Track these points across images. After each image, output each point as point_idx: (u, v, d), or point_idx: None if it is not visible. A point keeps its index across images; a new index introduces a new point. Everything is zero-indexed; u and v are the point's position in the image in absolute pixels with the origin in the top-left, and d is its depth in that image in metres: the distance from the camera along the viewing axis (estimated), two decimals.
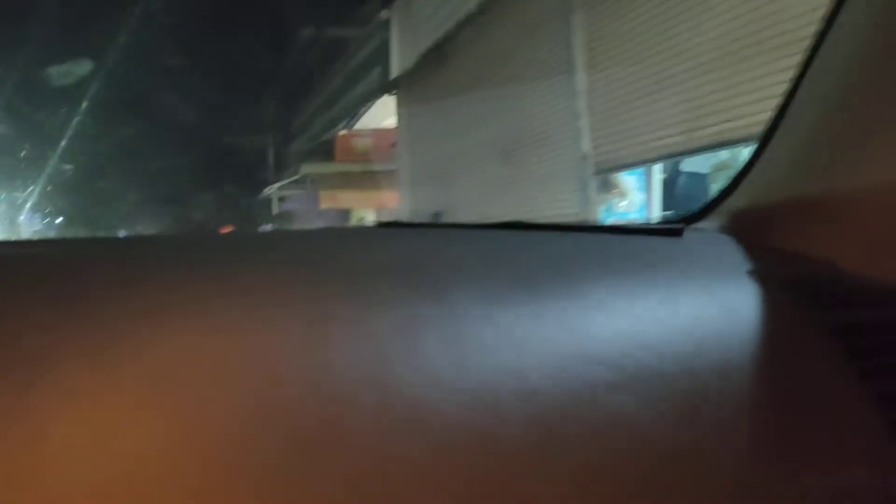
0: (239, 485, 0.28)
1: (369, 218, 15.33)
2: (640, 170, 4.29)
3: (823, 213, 0.50)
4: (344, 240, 0.56)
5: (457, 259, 0.45)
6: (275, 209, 16.32)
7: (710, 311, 0.43)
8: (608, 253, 0.51)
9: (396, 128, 12.45)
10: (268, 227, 14.61)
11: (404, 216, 8.23)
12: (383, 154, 13.50)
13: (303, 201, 15.70)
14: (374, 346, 0.34)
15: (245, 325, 0.33)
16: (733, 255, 0.51)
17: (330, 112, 12.94)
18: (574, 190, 4.45)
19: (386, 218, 14.95)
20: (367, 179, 14.05)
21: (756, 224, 0.56)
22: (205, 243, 0.51)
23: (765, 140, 0.58)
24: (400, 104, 8.52)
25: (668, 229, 0.57)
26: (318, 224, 16.20)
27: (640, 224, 0.69)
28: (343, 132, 13.39)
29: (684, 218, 0.66)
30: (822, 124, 0.52)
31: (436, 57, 6.67)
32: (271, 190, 16.11)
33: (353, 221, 15.33)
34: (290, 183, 15.21)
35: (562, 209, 4.59)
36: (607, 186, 4.40)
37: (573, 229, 0.61)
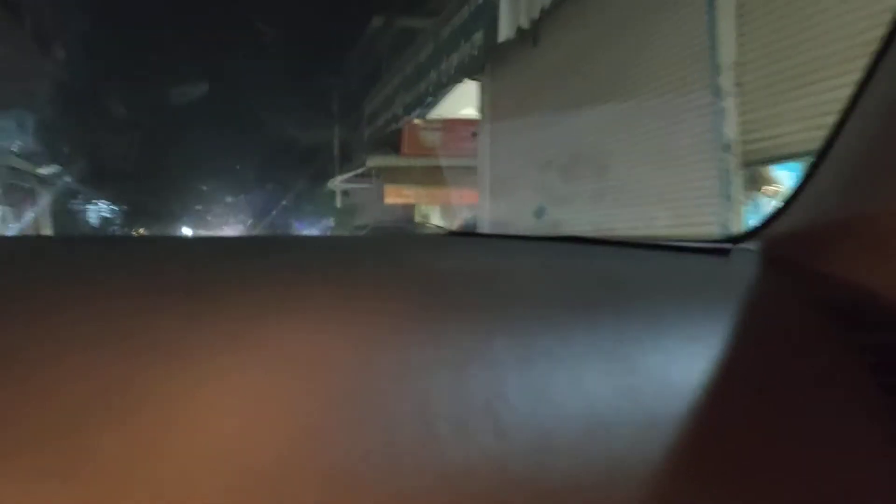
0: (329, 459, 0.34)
1: (436, 216, 14.72)
2: (797, 162, 3.43)
3: (871, 238, 0.51)
4: (419, 247, 0.66)
5: (519, 272, 0.50)
6: (338, 202, 15.84)
7: (748, 330, 0.46)
8: (658, 270, 0.56)
9: (469, 119, 11.85)
10: (329, 221, 14.03)
11: (486, 214, 7.47)
12: (453, 148, 12.85)
13: (367, 195, 15.19)
14: (450, 347, 0.40)
15: (345, 321, 0.40)
16: (776, 277, 0.55)
17: (400, 101, 12.33)
18: (711, 187, 3.64)
19: (452, 215, 14.30)
20: (434, 175, 13.42)
21: (802, 246, 0.57)
22: (300, 246, 0.64)
23: (815, 163, 0.58)
24: (483, 90, 7.72)
25: (716, 249, 0.61)
26: (380, 218, 15.70)
27: (690, 242, 0.65)
28: (414, 122, 12.73)
29: (733, 238, 0.67)
30: (873, 149, 0.52)
31: (529, 34, 5.92)
32: (335, 183, 15.62)
33: (418, 217, 14.73)
34: (354, 176, 14.70)
35: (694, 210, 3.79)
36: (756, 182, 3.57)
37: (626, 245, 0.67)
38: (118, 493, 0.31)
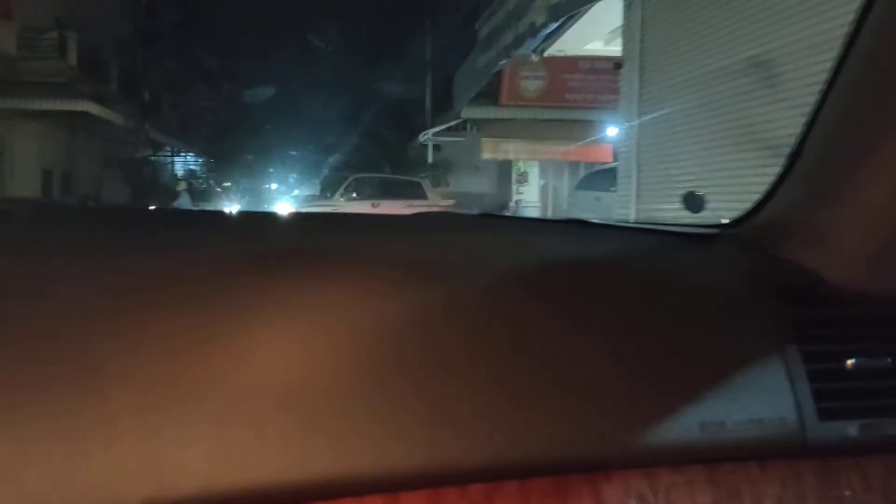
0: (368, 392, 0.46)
1: (534, 172, 13.43)
2: None
3: (850, 224, 0.58)
4: (449, 226, 0.80)
5: (521, 256, 0.60)
6: (430, 157, 14.72)
7: (703, 300, 0.58)
8: (649, 252, 0.65)
9: (592, 56, 10.40)
10: (423, 178, 12.91)
11: (630, 176, 6.08)
12: (559, 97, 11.49)
13: (460, 150, 14.02)
14: (470, 301, 0.52)
15: (378, 293, 0.50)
16: (745, 260, 0.64)
17: (503, 40, 10.94)
18: None
19: (556, 174, 12.94)
20: (536, 127, 12.10)
21: (773, 234, 0.65)
22: (326, 222, 0.78)
23: (796, 153, 0.63)
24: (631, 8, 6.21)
25: (703, 235, 0.70)
26: (473, 176, 14.53)
27: (682, 227, 0.75)
28: (515, 67, 11.34)
29: (723, 225, 0.73)
30: (851, 137, 0.58)
31: None
32: (427, 136, 14.48)
33: (514, 176, 13.48)
34: (447, 129, 13.57)
35: None
36: None
37: (626, 229, 0.81)
38: (196, 407, 0.43)
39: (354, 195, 11.03)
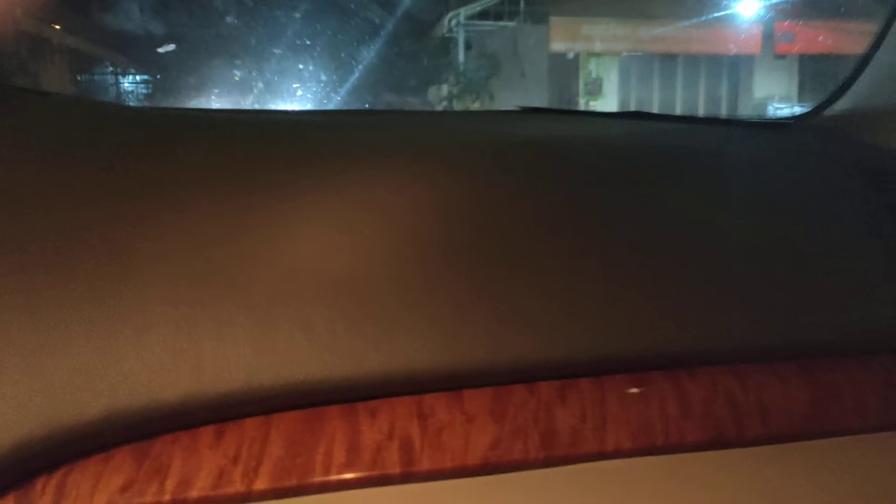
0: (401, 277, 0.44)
1: (610, 79, 9.76)
2: None
3: None
4: (491, 121, 0.73)
5: (589, 145, 0.55)
6: (460, 55, 9.30)
7: (792, 190, 0.55)
8: (721, 143, 0.61)
9: None
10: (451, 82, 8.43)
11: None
12: None
13: (506, 43, 9.22)
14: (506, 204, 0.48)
15: (414, 178, 0.48)
16: (830, 148, 0.62)
17: None
18: None
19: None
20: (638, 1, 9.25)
21: (859, 123, 0.66)
22: (384, 119, 0.71)
23: (873, 47, 0.67)
24: None
25: (778, 123, 0.69)
26: (516, 87, 9.41)
27: (755, 118, 0.80)
28: None
29: (798, 116, 0.75)
30: None
31: None
32: (455, 20, 9.51)
33: (582, 84, 9.53)
34: (481, 14, 8.93)
35: None
36: None
37: (690, 121, 0.73)
38: (236, 299, 0.41)
39: None
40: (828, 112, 0.68)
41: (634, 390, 0.45)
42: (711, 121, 0.71)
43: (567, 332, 0.44)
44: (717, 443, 0.45)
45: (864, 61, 0.65)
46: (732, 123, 0.69)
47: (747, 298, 0.47)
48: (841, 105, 0.67)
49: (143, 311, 0.39)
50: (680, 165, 0.54)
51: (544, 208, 0.48)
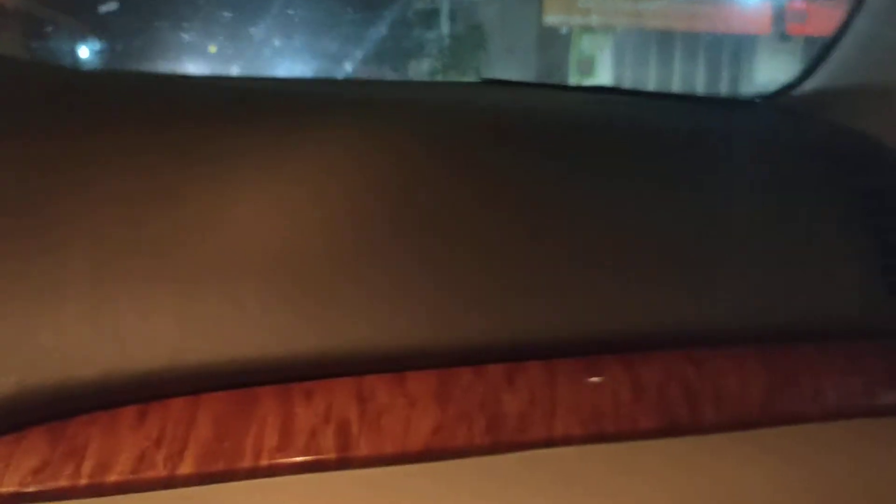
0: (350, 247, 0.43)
1: (604, 58, 9.18)
2: None
3: (880, 96, 0.59)
4: (452, 93, 0.68)
5: (550, 118, 0.53)
6: (444, 27, 8.70)
7: (756, 169, 0.53)
8: (687, 121, 0.60)
9: None
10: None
11: None
12: None
13: (486, 17, 8.64)
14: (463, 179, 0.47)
15: (363, 151, 0.46)
16: (802, 130, 0.60)
17: None
18: None
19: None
20: None
21: (827, 103, 0.64)
22: (336, 87, 0.67)
23: (843, 26, 0.65)
24: None
25: (745, 102, 0.67)
26: (502, 63, 8.84)
27: (723, 96, 0.85)
28: None
29: (766, 95, 0.73)
30: (887, 24, 0.59)
31: None
32: None
33: (573, 63, 8.95)
34: None
35: None
36: None
37: (658, 97, 0.71)
38: (160, 272, 0.39)
39: None
40: (796, 92, 0.69)
41: (586, 375, 0.45)
42: (680, 97, 0.70)
43: (517, 313, 0.44)
44: (670, 430, 0.45)
45: (833, 40, 0.65)
46: (703, 101, 0.70)
47: (703, 281, 0.47)
48: (810, 84, 0.68)
49: (63, 286, 0.38)
50: (639, 142, 0.53)
51: (499, 183, 0.47)
